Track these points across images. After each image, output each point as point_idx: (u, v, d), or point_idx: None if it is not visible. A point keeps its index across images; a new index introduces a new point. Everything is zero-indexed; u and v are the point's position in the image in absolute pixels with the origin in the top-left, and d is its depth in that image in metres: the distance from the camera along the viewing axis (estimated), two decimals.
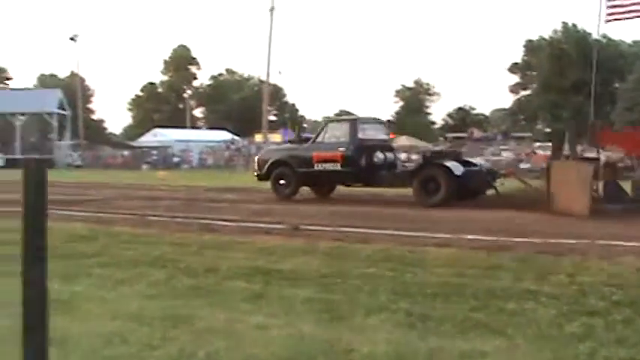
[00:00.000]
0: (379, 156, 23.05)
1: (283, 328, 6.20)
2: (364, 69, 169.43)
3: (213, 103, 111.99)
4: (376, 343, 5.75)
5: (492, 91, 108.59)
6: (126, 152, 78.54)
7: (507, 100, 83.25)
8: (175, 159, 71.39)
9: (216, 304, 7.23)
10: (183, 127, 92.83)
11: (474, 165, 22.06)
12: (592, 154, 19.25)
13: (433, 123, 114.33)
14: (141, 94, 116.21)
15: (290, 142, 26.13)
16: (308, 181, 23.90)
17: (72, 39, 76.59)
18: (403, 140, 66.90)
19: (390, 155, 23.64)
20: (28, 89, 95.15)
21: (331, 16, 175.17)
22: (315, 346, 5.71)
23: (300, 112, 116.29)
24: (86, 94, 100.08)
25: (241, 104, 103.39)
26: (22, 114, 79.43)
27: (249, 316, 6.68)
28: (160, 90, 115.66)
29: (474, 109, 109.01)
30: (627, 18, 22.94)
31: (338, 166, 22.74)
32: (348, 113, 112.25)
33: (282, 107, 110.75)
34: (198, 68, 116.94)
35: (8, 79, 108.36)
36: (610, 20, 22.88)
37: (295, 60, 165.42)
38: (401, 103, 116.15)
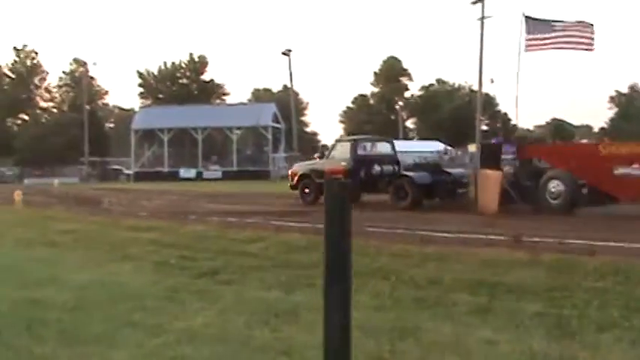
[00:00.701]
0: (377, 168, 27.35)
1: (513, 344, 6.09)
2: (577, 75, 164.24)
3: (424, 113, 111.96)
4: None
5: None
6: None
7: None
8: None
9: (441, 316, 7.20)
10: (396, 138, 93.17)
11: (448, 174, 26.60)
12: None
13: None
14: (352, 105, 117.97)
15: (319, 157, 30.29)
16: (323, 191, 26.80)
17: (284, 53, 78.51)
18: None
19: (388, 167, 27.64)
20: (244, 104, 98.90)
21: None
22: None
23: (513, 122, 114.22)
24: (299, 107, 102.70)
25: (453, 114, 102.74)
26: (239, 128, 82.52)
27: (477, 330, 6.61)
28: (371, 101, 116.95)
29: None
30: (543, 49, 28.54)
31: (342, 178, 24.75)
32: (560, 121, 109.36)
33: (494, 116, 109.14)
34: (409, 79, 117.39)
35: (225, 94, 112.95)
36: (529, 50, 28.50)
37: (507, 68, 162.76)
38: (615, 110, 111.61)
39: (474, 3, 56.00)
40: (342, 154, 28.09)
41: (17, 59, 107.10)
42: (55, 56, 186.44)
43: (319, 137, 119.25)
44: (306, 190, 28.70)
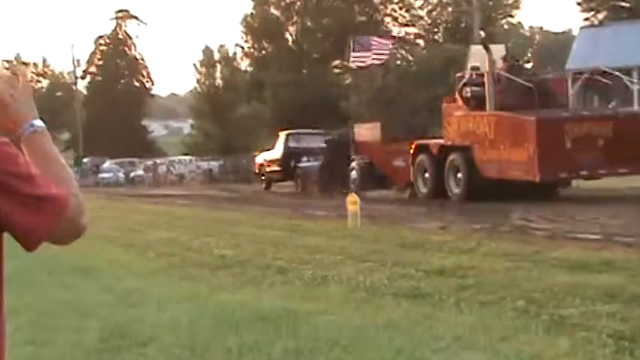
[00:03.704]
0: (304, 159, 36.32)
1: None
2: None
3: None
4: None
5: None
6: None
7: None
8: None
9: None
10: None
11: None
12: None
13: None
14: None
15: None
16: (270, 179, 38.97)
17: None
18: None
19: (312, 159, 36.29)
20: None
21: None
22: None
23: None
24: None
25: None
26: None
27: None
28: None
29: None
30: (367, 67, 40.31)
31: (277, 167, 38.17)
32: None
33: None
34: None
35: None
36: (354, 64, 40.00)
37: None
38: None
39: None
40: (279, 146, 38.88)
41: None
42: None
43: None
44: (262, 178, 39.93)
